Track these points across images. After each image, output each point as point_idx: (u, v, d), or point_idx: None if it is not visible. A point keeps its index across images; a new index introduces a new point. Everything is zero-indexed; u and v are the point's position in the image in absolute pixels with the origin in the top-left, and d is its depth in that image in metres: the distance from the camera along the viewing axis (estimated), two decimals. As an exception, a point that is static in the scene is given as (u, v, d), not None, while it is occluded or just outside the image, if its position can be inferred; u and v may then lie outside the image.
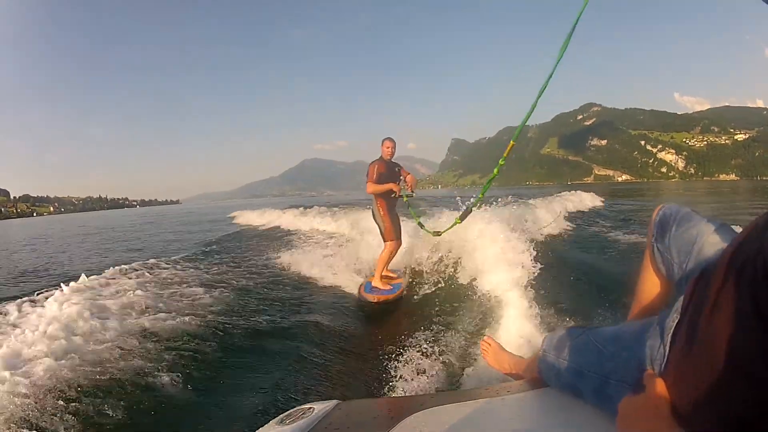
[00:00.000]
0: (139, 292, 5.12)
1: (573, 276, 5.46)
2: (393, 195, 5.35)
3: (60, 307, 4.19)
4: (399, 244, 5.60)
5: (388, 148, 5.33)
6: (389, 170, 5.35)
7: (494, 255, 4.91)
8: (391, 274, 5.74)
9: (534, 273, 4.65)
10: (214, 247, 10.47)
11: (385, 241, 5.46)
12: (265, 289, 5.78)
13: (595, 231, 9.26)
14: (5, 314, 4.38)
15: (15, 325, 3.99)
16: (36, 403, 2.68)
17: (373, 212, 5.52)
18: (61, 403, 2.73)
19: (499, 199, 7.39)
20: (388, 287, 5.28)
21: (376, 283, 5.35)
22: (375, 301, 4.97)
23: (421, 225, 5.48)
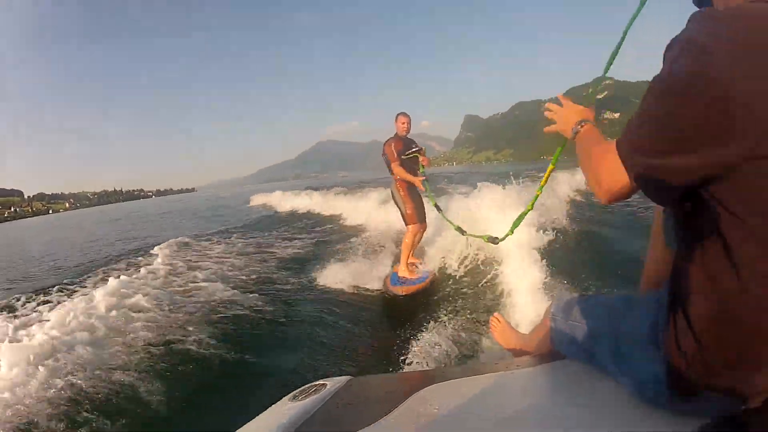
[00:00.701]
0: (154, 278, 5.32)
1: (595, 254, 5.22)
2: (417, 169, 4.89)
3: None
4: (424, 227, 5.09)
5: (403, 123, 4.89)
6: (406, 147, 4.90)
7: (515, 240, 4.64)
8: (416, 261, 5.27)
9: (555, 253, 4.53)
10: (235, 231, 10.53)
11: (407, 225, 4.97)
12: (281, 274, 5.78)
13: (619, 206, 8.92)
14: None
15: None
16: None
17: (392, 194, 5.05)
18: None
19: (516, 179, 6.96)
20: (415, 276, 4.84)
21: (403, 272, 4.87)
22: (403, 293, 4.50)
23: (461, 230, 3.70)
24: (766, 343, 0.75)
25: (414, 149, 4.89)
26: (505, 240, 2.63)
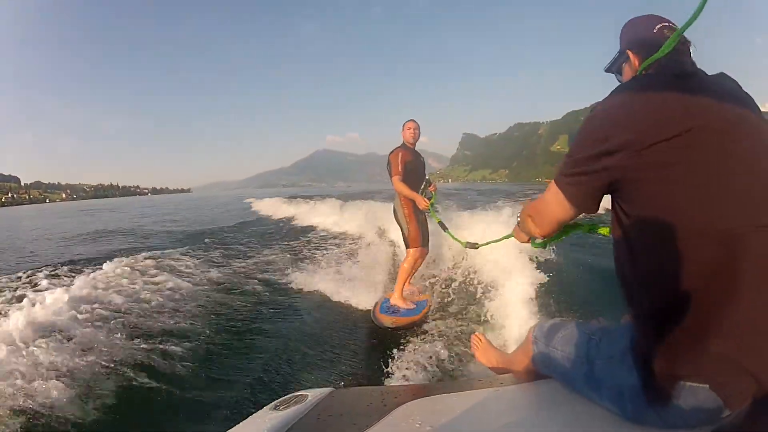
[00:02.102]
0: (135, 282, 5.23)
1: (586, 281, 5.18)
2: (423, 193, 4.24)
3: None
4: (425, 252, 4.46)
5: (410, 129, 4.31)
6: (415, 159, 4.30)
7: (502, 259, 4.60)
8: (414, 289, 4.77)
9: (543, 276, 4.52)
10: (219, 238, 10.40)
11: (408, 248, 4.36)
12: (265, 284, 5.68)
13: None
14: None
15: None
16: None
17: (395, 211, 4.42)
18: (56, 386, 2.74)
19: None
20: (410, 306, 4.25)
21: (396, 300, 4.28)
22: (391, 325, 3.91)
23: (443, 226, 3.98)
24: (697, 322, 0.86)
25: (424, 185, 4.31)
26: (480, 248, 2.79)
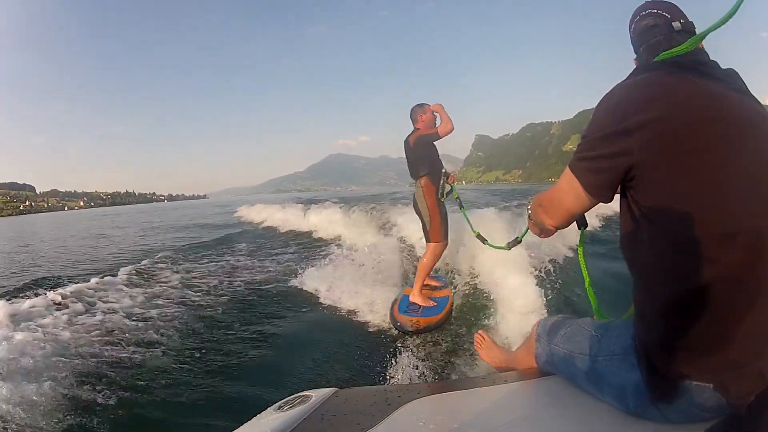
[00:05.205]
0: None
1: (596, 284, 5.04)
2: (442, 192, 4.04)
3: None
4: (445, 246, 4.15)
5: (436, 114, 3.95)
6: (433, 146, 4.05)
7: (505, 257, 4.27)
8: (433, 283, 4.44)
9: (547, 275, 4.46)
10: (219, 241, 10.56)
11: (429, 242, 4.06)
12: (269, 288, 5.61)
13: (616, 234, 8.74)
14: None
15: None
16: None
17: (415, 202, 4.10)
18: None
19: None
20: (430, 303, 3.97)
21: (415, 297, 3.99)
22: (412, 328, 3.62)
23: (482, 238, 3.82)
24: (708, 325, 0.84)
25: (443, 179, 4.08)
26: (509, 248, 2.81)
